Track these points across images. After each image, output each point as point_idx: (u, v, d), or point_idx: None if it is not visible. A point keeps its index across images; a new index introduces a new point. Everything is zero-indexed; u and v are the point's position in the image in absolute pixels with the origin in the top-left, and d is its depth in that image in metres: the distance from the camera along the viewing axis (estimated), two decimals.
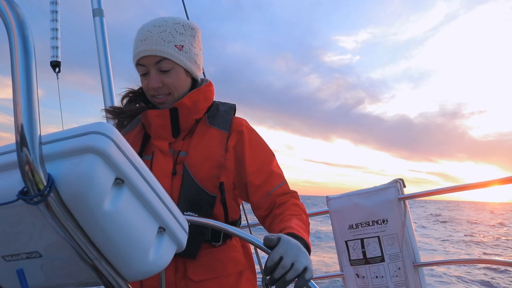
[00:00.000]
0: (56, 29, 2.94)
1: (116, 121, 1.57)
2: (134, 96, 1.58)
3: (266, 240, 1.11)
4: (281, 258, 1.07)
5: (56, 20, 2.96)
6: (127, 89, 1.59)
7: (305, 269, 1.07)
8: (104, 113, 1.56)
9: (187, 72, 1.50)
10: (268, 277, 1.09)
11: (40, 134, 0.61)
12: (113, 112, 1.54)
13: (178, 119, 1.49)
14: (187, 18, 2.48)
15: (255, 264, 1.63)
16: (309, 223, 1.41)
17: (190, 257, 1.41)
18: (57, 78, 3.08)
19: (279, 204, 1.46)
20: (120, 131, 1.58)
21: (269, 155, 1.57)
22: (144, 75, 1.47)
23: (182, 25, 1.48)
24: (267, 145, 1.58)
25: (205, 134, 1.51)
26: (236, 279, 1.49)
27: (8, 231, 0.74)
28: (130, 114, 1.53)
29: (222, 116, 1.55)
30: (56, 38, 2.95)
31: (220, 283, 1.45)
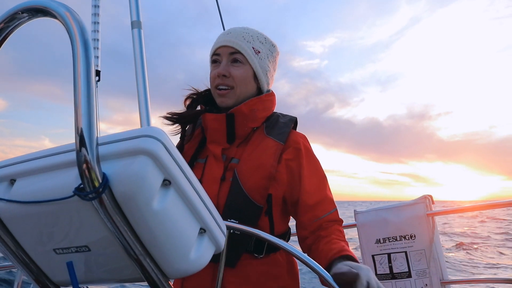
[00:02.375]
0: (97, 40, 3.06)
1: (177, 126, 1.57)
2: (197, 98, 1.60)
3: (346, 275, 1.07)
4: (368, 283, 1.06)
5: (97, 31, 3.09)
6: (191, 89, 1.62)
7: None
8: (163, 120, 1.56)
9: (255, 76, 1.53)
10: None
11: (97, 136, 0.66)
12: (171, 119, 1.56)
13: (234, 125, 1.48)
14: (223, 27, 2.55)
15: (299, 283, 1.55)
16: None
17: (229, 266, 1.39)
18: (96, 87, 3.20)
19: (324, 228, 1.42)
20: (181, 135, 1.60)
21: (324, 178, 1.54)
22: (215, 63, 1.53)
23: (264, 38, 1.55)
24: (321, 166, 1.55)
25: (260, 144, 1.49)
26: None
27: (61, 225, 0.79)
28: (189, 119, 1.55)
29: (281, 127, 1.53)
30: (97, 48, 3.07)
31: None
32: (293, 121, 1.59)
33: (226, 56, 1.50)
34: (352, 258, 1.21)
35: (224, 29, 2.91)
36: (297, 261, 1.44)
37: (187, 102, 1.60)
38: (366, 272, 1.08)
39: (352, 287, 1.06)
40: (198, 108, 1.61)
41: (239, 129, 1.50)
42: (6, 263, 2.76)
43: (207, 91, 1.62)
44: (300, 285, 1.54)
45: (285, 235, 1.54)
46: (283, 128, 1.53)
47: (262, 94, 1.57)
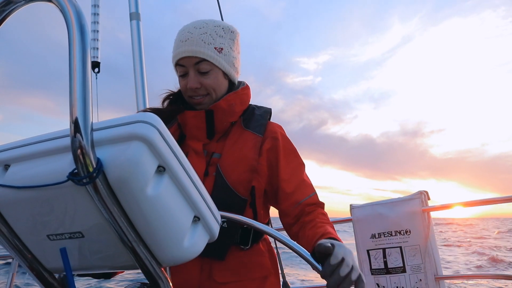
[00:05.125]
0: (97, 31, 3.07)
1: None
2: (174, 98, 1.61)
3: (322, 246, 1.09)
4: (343, 259, 1.07)
5: (97, 22, 3.09)
6: (167, 91, 1.62)
7: (360, 274, 1.09)
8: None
9: (225, 74, 1.52)
10: (330, 278, 1.06)
11: (92, 121, 0.66)
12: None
13: (214, 121, 1.50)
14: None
15: (279, 270, 1.61)
16: None
17: (219, 258, 1.41)
18: (96, 78, 3.20)
19: (307, 213, 1.46)
20: None
21: (301, 164, 1.57)
22: (182, 76, 1.50)
23: (222, 28, 1.51)
24: (298, 154, 1.59)
25: (239, 137, 1.52)
26: (260, 284, 1.49)
27: (55, 211, 0.79)
28: (169, 114, 1.55)
29: (257, 120, 1.56)
30: (97, 40, 3.08)
31: (243, 286, 1.45)
32: (269, 113, 1.62)
33: (191, 67, 1.46)
34: (335, 239, 1.22)
35: (222, 19, 2.91)
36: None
37: (165, 103, 1.61)
38: (343, 249, 1.10)
39: (327, 260, 1.07)
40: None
41: (218, 125, 1.51)
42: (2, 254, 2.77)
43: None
44: (279, 272, 1.60)
45: (267, 225, 1.58)
46: (260, 120, 1.56)
47: (236, 87, 1.60)
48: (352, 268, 1.08)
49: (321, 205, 1.52)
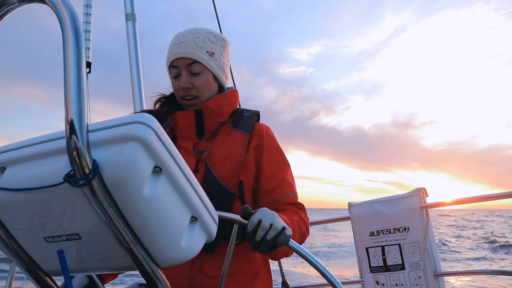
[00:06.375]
0: (89, 31, 3.06)
1: None
2: (166, 101, 1.66)
3: (243, 208, 1.22)
4: (260, 221, 1.19)
5: (89, 22, 3.09)
6: (159, 94, 1.68)
7: (284, 228, 1.20)
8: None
9: (215, 78, 1.59)
10: (251, 243, 1.20)
11: (87, 123, 0.66)
12: None
13: (203, 121, 1.56)
14: (220, 32, 2.58)
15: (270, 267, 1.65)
16: (300, 229, 1.45)
17: (208, 251, 1.44)
18: (87, 79, 3.20)
19: (281, 210, 1.50)
20: None
21: (284, 164, 1.62)
22: (175, 77, 1.57)
23: (214, 35, 1.60)
24: (284, 154, 1.64)
25: (228, 136, 1.58)
26: (250, 279, 1.52)
27: (52, 213, 0.79)
28: (161, 116, 1.60)
29: (246, 120, 1.62)
30: (88, 40, 3.08)
31: (234, 281, 1.47)
32: (257, 114, 1.69)
33: (184, 68, 1.55)
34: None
35: (221, 31, 2.95)
36: None
37: (157, 105, 1.68)
38: (262, 212, 1.23)
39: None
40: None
41: (207, 124, 1.58)
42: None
43: (173, 94, 1.70)
44: (271, 269, 1.64)
45: None
46: (248, 120, 1.63)
47: (225, 90, 1.67)
48: (270, 227, 1.20)
49: (299, 205, 1.56)
